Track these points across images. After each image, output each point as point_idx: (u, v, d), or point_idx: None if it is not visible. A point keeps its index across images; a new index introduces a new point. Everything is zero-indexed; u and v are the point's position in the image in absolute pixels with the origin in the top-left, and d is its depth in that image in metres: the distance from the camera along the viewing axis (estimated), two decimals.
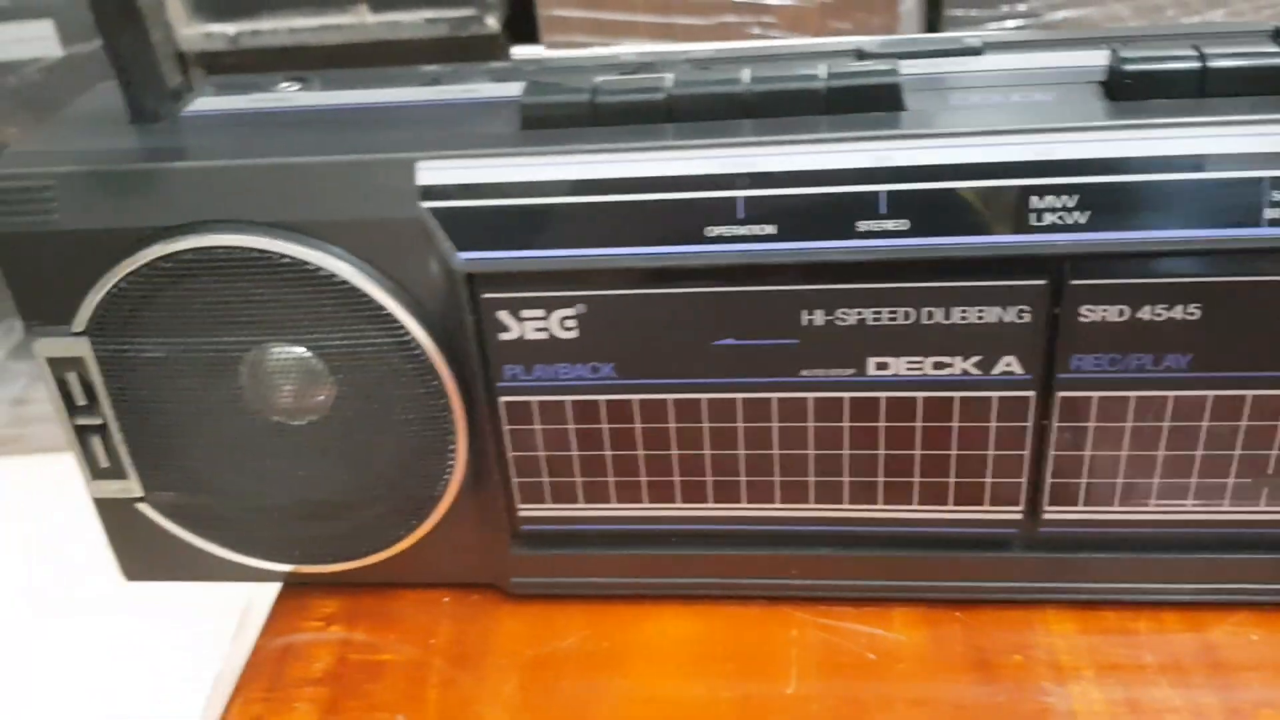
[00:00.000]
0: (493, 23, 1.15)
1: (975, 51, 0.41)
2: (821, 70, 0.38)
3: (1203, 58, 0.36)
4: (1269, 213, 0.35)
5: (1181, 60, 0.36)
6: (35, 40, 1.24)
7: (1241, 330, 0.37)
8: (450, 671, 0.43)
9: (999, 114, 0.37)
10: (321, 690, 0.43)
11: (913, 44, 0.42)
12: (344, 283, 0.39)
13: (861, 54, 0.42)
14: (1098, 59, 0.38)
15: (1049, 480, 0.41)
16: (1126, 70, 0.36)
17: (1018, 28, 1.07)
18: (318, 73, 0.46)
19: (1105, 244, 0.36)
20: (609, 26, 1.07)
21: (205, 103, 0.44)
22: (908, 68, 0.40)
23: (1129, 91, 0.37)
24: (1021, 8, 1.05)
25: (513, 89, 0.42)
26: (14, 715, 1.13)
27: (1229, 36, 0.39)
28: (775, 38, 1.08)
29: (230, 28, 1.22)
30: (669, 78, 0.39)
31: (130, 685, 1.15)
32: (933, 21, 1.11)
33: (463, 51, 1.11)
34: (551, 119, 0.39)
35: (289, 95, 0.44)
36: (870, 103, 0.37)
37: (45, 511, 1.40)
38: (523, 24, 1.14)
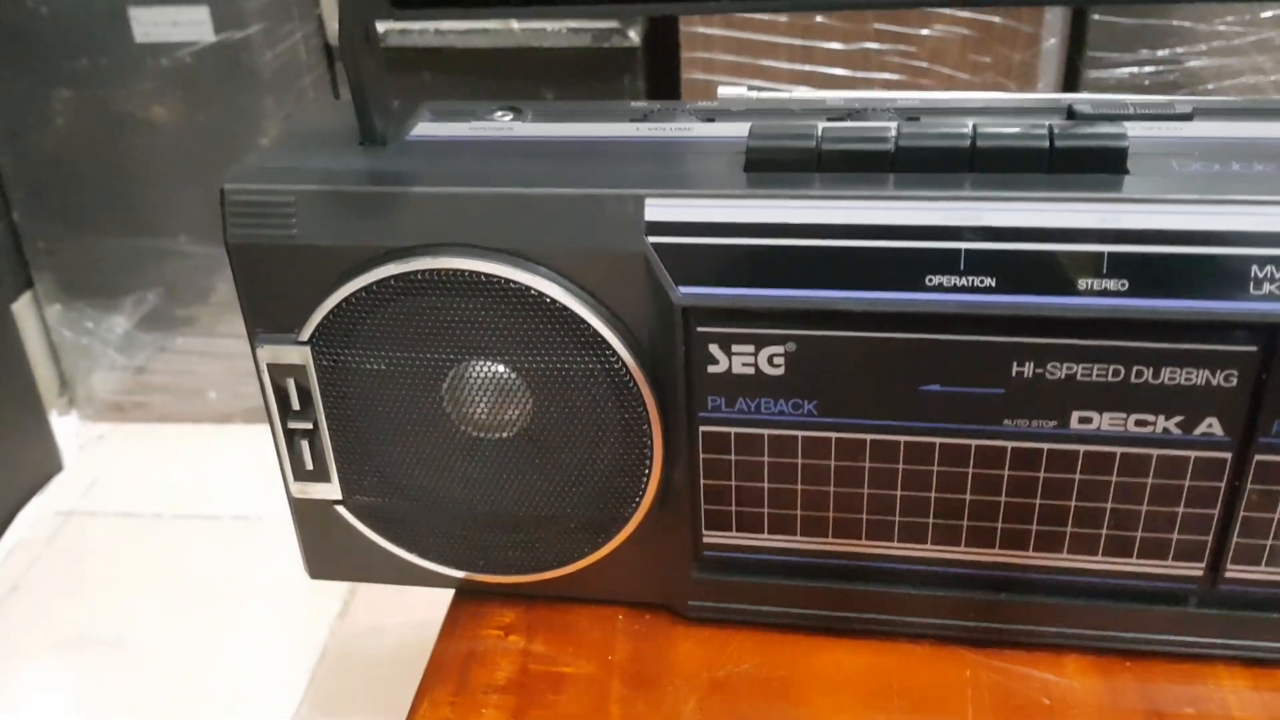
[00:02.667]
0: (634, 36, 1.17)
1: (1187, 117, 0.43)
2: (1046, 129, 0.39)
3: None
4: None
5: None
6: (190, 25, 1.29)
7: None
8: (629, 688, 0.45)
9: (1221, 183, 0.38)
10: (508, 698, 0.44)
11: (1123, 106, 0.43)
12: (564, 308, 0.41)
13: (1072, 113, 0.43)
14: None
15: (1235, 540, 0.41)
16: None
17: (1155, 72, 1.08)
18: (529, 103, 0.48)
19: None
20: (749, 47, 1.10)
21: (426, 128, 0.46)
22: (1128, 131, 0.41)
23: None
24: (1162, 53, 1.06)
25: (723, 129, 0.44)
26: (119, 691, 1.16)
27: None
28: (917, 65, 1.10)
29: (380, 26, 1.25)
30: (893, 127, 0.40)
31: (235, 658, 1.18)
32: (1072, 59, 1.12)
33: (602, 63, 1.14)
34: (776, 163, 0.40)
35: (506, 125, 0.46)
36: (1095, 164, 0.39)
37: (163, 479, 1.45)
38: (664, 38, 1.17)
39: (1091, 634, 0.44)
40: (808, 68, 1.14)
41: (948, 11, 1.09)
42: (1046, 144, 0.39)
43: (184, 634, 1.22)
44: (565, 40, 1.21)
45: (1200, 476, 0.40)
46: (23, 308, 1.49)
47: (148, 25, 1.31)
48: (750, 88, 0.48)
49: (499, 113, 0.47)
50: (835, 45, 1.09)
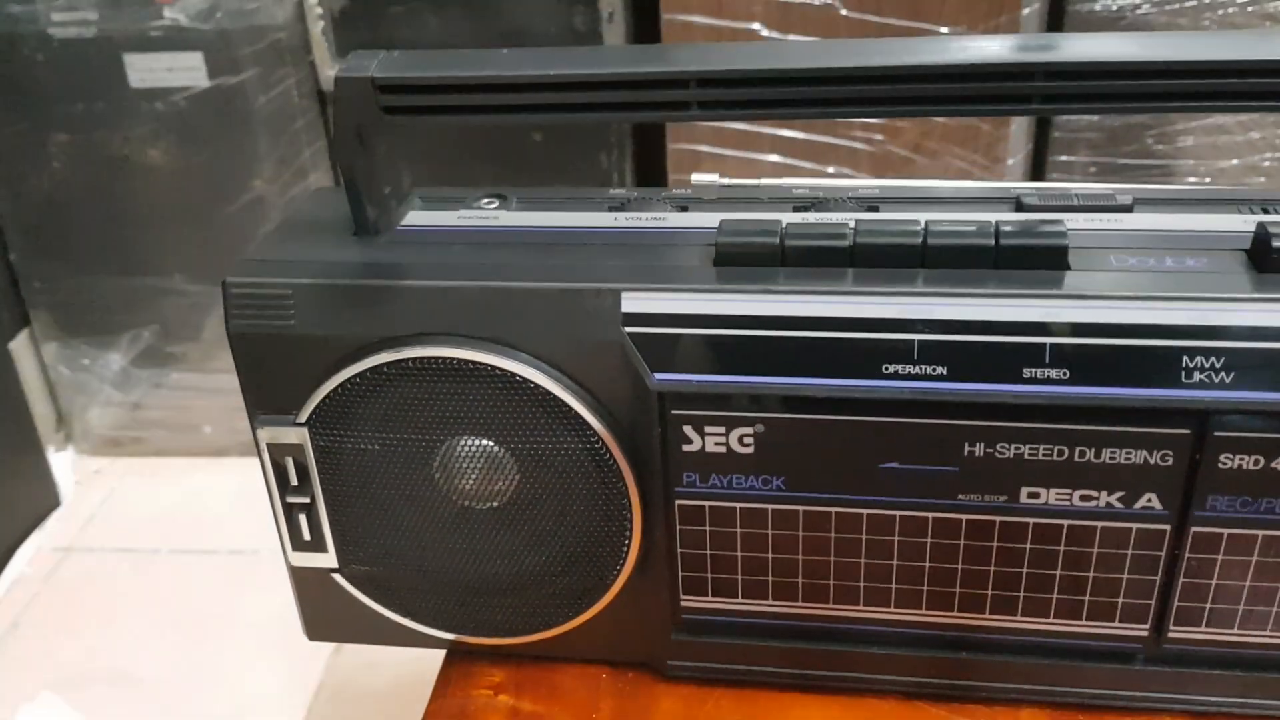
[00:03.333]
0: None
1: (1126, 209, 0.46)
2: (993, 227, 0.42)
3: None
4: None
5: None
6: (185, 70, 1.32)
7: None
8: None
9: (1155, 279, 0.41)
10: None
11: (1067, 197, 0.46)
12: (547, 394, 0.44)
13: (1020, 204, 0.46)
14: (1242, 225, 0.42)
15: (1176, 603, 0.44)
16: (1273, 246, 0.40)
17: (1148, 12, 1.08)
18: (513, 191, 0.51)
19: (1247, 402, 0.40)
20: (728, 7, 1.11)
21: (416, 217, 0.49)
22: (1068, 223, 0.44)
23: (1273, 264, 0.41)
24: None
25: (695, 219, 0.47)
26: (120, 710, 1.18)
27: None
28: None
29: None
30: (851, 223, 0.43)
31: (233, 692, 1.20)
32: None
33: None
34: (743, 258, 0.43)
35: (491, 214, 0.49)
36: (1038, 261, 0.42)
37: (160, 513, 1.47)
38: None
39: (1046, 689, 0.47)
40: (787, 133, 1.16)
41: None
42: (993, 242, 0.42)
43: (183, 668, 1.24)
44: None
45: (1141, 546, 0.43)
46: (20, 346, 1.51)
47: (143, 71, 1.34)
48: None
49: (485, 200, 0.50)
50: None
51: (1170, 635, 0.45)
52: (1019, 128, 1.15)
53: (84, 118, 1.36)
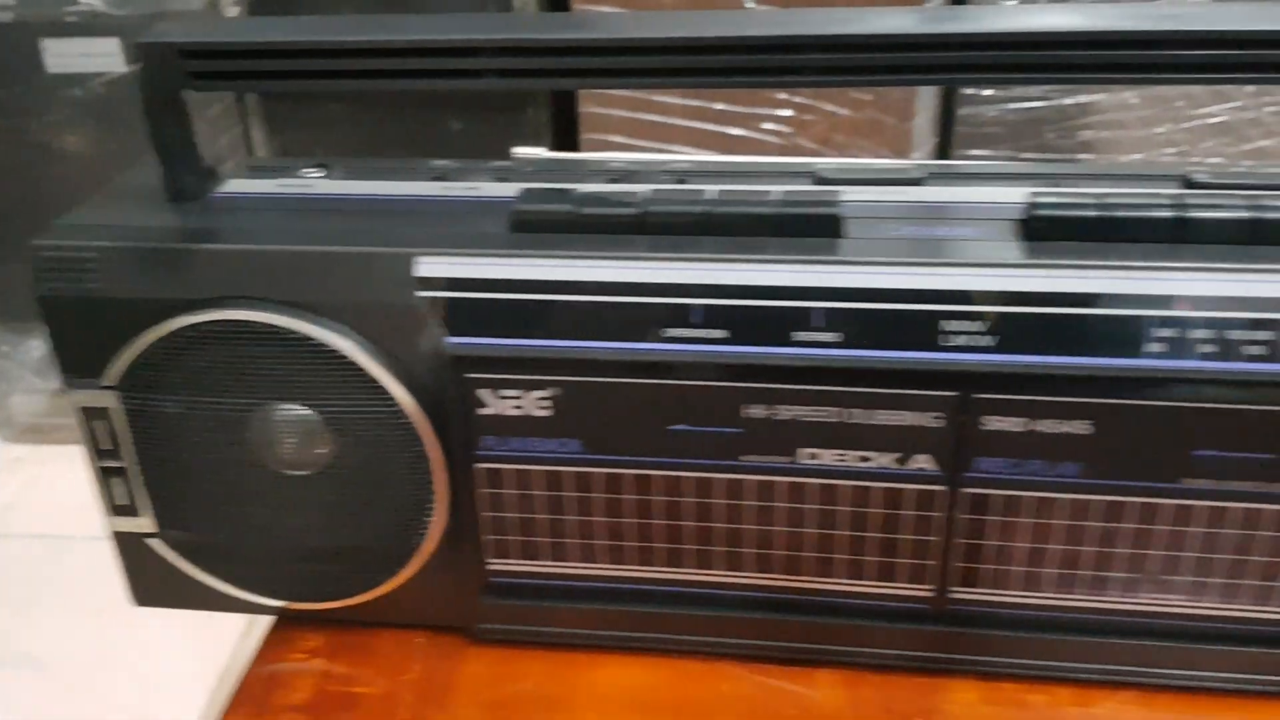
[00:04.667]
0: None
1: (917, 182, 0.47)
2: (774, 198, 0.43)
3: (1105, 206, 0.41)
4: (1149, 346, 0.40)
5: (1086, 209, 0.41)
6: (101, 56, 1.32)
7: (1126, 446, 0.42)
8: (417, 706, 0.48)
9: (923, 246, 0.42)
10: (299, 717, 0.48)
11: (864, 170, 0.48)
12: (343, 357, 0.45)
13: (818, 178, 0.47)
14: (1022, 197, 0.44)
15: (956, 564, 0.46)
16: (1039, 215, 0.42)
17: None
18: (341, 161, 0.51)
19: (1007, 365, 0.41)
20: None
21: (236, 185, 0.50)
22: (855, 195, 0.45)
23: (1041, 233, 0.42)
24: None
25: (509, 189, 0.48)
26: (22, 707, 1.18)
27: (1139, 179, 0.45)
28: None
29: None
30: (643, 192, 0.44)
31: (134, 679, 1.20)
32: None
33: (507, 96, 1.17)
34: (538, 224, 0.44)
35: (311, 182, 0.50)
36: (814, 229, 0.43)
37: (79, 500, 1.46)
38: None
39: (840, 650, 0.48)
40: (698, 103, 1.18)
41: None
42: (772, 211, 0.43)
43: (93, 653, 1.24)
44: None
45: (920, 507, 0.45)
46: None
47: (59, 56, 1.33)
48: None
49: (309, 170, 0.51)
50: None
51: (953, 596, 0.47)
52: (924, 122, 1.17)
53: (1, 103, 1.36)
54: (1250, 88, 1.10)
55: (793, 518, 0.46)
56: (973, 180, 0.47)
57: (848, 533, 0.46)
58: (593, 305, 0.43)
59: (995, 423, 0.43)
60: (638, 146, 1.18)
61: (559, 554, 0.48)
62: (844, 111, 1.15)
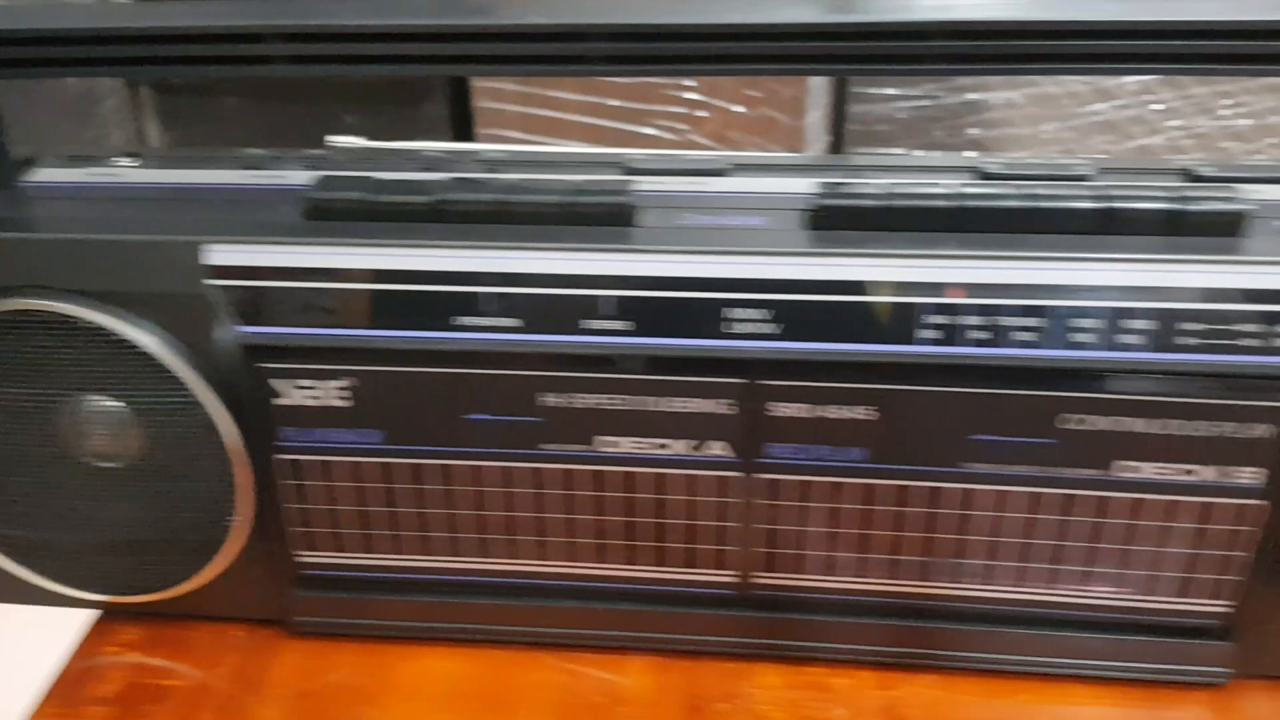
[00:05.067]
0: None
1: (721, 173, 0.47)
2: (569, 187, 0.43)
3: (887, 197, 0.42)
4: (923, 333, 0.41)
5: (869, 199, 0.42)
6: None
7: (908, 431, 0.43)
8: (226, 699, 0.48)
9: (712, 236, 0.43)
10: (106, 710, 0.47)
11: (671, 161, 0.48)
12: (136, 347, 0.44)
13: (626, 168, 0.48)
14: (815, 188, 0.44)
15: (757, 549, 0.46)
16: (824, 205, 0.42)
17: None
18: (155, 151, 0.51)
19: (791, 352, 0.42)
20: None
21: (47, 174, 0.49)
22: (655, 185, 0.46)
23: (826, 222, 0.43)
24: None
25: (316, 178, 0.48)
26: None
27: (937, 170, 0.46)
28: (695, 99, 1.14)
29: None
30: (439, 180, 0.44)
31: None
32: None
33: (403, 89, 1.16)
34: (331, 212, 0.44)
35: (121, 171, 0.49)
36: (605, 219, 0.43)
37: None
38: None
39: (650, 636, 0.49)
40: (593, 98, 1.18)
41: None
42: (562, 199, 0.43)
43: None
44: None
45: (716, 493, 0.45)
46: None
47: None
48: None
49: (120, 159, 0.50)
50: (618, 77, 1.13)
51: (756, 581, 0.47)
52: (816, 120, 1.18)
53: None
54: (1133, 86, 1.12)
55: (596, 506, 0.46)
56: (774, 172, 0.48)
57: (650, 520, 0.46)
58: (385, 294, 0.43)
59: (783, 409, 0.43)
60: (533, 141, 1.18)
61: (368, 546, 0.48)
62: (738, 108, 1.15)
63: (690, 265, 0.42)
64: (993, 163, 0.46)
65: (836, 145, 1.21)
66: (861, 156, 0.53)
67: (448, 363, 0.44)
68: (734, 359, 0.42)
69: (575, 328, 0.42)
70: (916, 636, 0.47)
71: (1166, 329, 0.40)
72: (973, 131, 1.18)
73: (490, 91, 1.21)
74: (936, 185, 0.43)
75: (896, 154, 1.17)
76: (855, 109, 1.19)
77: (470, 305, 0.43)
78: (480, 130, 1.20)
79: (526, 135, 1.18)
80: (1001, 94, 1.16)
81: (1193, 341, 0.40)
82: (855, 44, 0.42)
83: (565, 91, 1.19)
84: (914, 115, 1.19)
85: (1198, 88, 1.09)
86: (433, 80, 1.22)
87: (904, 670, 0.48)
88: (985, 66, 0.43)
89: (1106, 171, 0.45)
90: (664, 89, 1.15)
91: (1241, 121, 1.10)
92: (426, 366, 0.44)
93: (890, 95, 1.18)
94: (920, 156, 0.49)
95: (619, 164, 0.48)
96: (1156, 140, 1.13)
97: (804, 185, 0.46)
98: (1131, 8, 0.40)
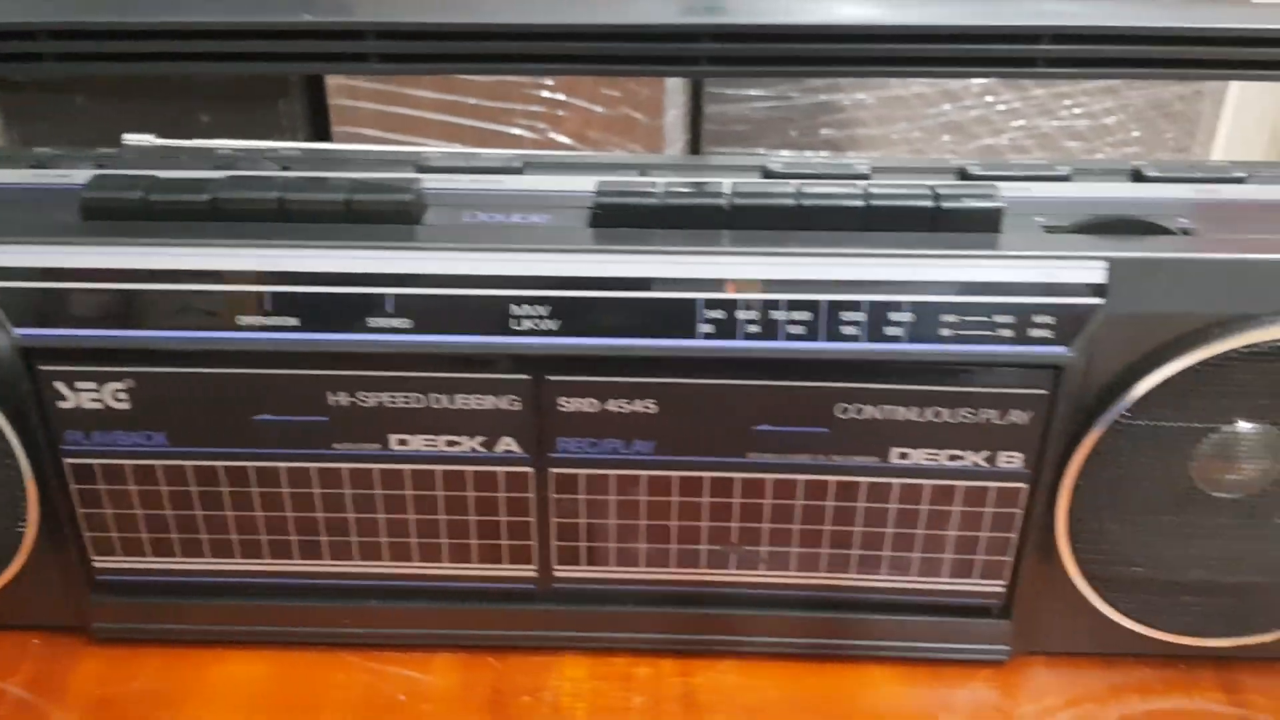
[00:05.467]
0: None
1: (517, 171, 0.48)
2: (347, 186, 0.43)
3: (665, 195, 0.43)
4: (702, 327, 0.42)
5: (647, 197, 0.43)
6: None
7: (693, 423, 0.44)
8: (22, 706, 0.47)
9: (496, 233, 0.43)
10: None
11: (465, 160, 0.48)
12: None
13: (420, 166, 0.48)
14: (593, 187, 0.45)
15: (556, 543, 0.47)
16: (603, 203, 0.43)
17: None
18: None
19: (574, 348, 0.42)
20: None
21: None
22: (445, 183, 0.46)
23: (607, 220, 0.43)
24: None
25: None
26: None
27: (723, 170, 0.47)
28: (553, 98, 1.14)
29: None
30: (219, 179, 0.44)
31: None
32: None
33: (257, 87, 1.15)
34: (107, 212, 0.43)
35: None
36: (387, 216, 0.43)
37: None
38: None
39: (456, 633, 0.49)
40: (451, 97, 1.17)
41: None
42: (344, 197, 0.43)
43: None
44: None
45: (510, 489, 0.46)
46: None
47: None
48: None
49: None
50: (476, 75, 1.13)
51: (557, 575, 0.48)
52: (674, 120, 1.19)
53: None
54: (977, 88, 1.16)
55: (393, 504, 0.46)
56: (567, 170, 0.48)
57: (448, 517, 0.46)
58: (162, 294, 0.42)
59: (570, 404, 0.44)
60: (390, 140, 1.17)
61: (163, 550, 0.47)
62: (597, 108, 1.16)
63: (471, 263, 0.42)
64: (778, 161, 0.47)
65: (695, 145, 1.22)
66: (657, 156, 0.54)
67: (230, 363, 0.43)
68: (519, 356, 0.43)
69: (359, 326, 0.42)
70: (714, 623, 0.49)
71: (927, 321, 0.41)
72: (826, 131, 1.21)
73: (346, 89, 1.19)
74: (713, 184, 0.44)
75: (735, 153, 1.19)
76: (712, 109, 1.20)
77: (249, 305, 0.42)
78: (337, 128, 1.19)
79: (384, 134, 1.17)
80: (853, 95, 1.18)
81: (952, 333, 0.42)
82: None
83: (423, 90, 1.18)
84: (769, 115, 1.21)
85: (1038, 89, 1.13)
86: (289, 78, 1.20)
87: (704, 657, 0.49)
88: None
89: (883, 170, 0.47)
90: (523, 87, 1.15)
91: (1080, 122, 1.15)
92: (209, 367, 0.43)
93: (746, 96, 1.20)
94: (712, 157, 0.50)
95: (413, 162, 0.48)
96: (1001, 140, 1.16)
97: (592, 184, 0.46)
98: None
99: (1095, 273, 0.41)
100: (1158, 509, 0.45)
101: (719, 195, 0.43)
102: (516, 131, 1.18)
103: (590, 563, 0.47)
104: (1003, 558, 0.46)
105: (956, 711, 0.47)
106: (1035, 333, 0.41)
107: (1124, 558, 0.46)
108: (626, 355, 0.43)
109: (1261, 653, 0.48)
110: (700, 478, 0.45)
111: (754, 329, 0.42)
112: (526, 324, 0.42)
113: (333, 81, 1.19)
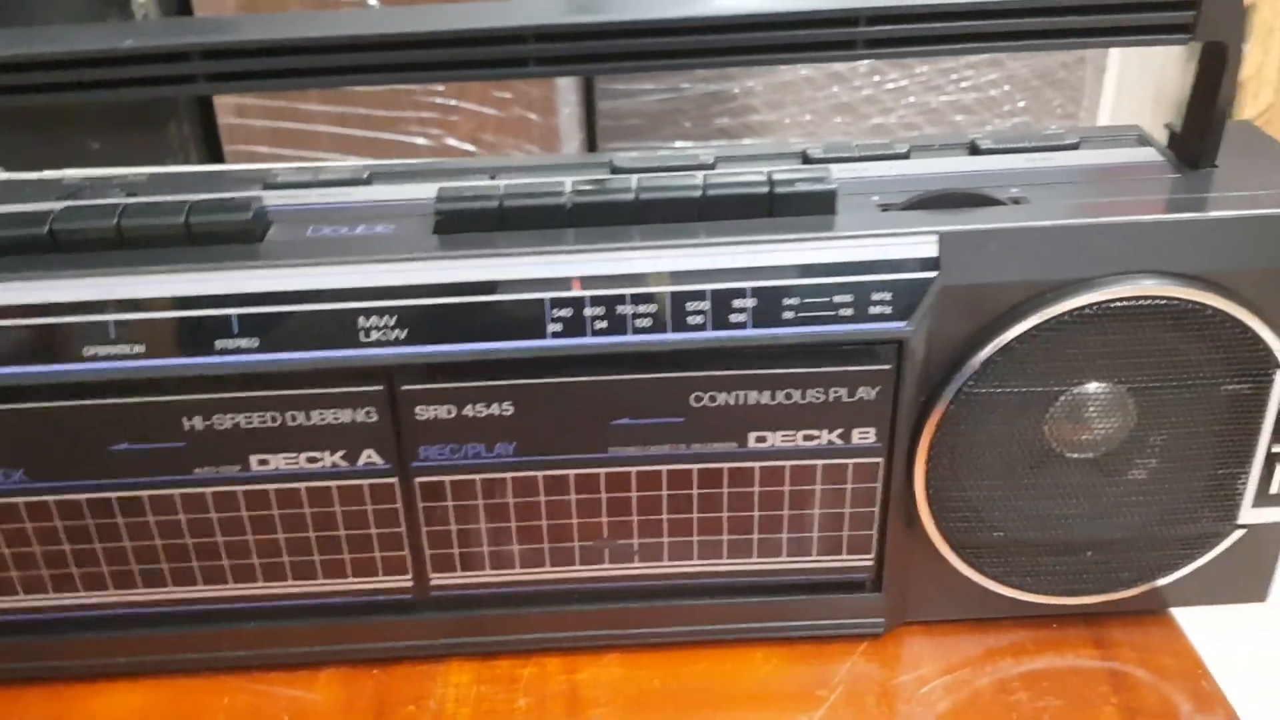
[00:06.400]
0: None
1: (364, 182, 0.48)
2: (186, 209, 0.43)
3: (504, 197, 0.43)
4: (551, 327, 0.42)
5: (487, 201, 0.43)
6: None
7: (552, 422, 0.44)
8: None
9: (339, 246, 0.43)
10: None
11: (313, 174, 0.48)
12: None
13: (268, 184, 0.48)
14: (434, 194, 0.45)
15: (429, 551, 0.47)
16: (443, 209, 0.43)
17: None
18: None
19: (425, 356, 0.42)
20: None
21: None
22: (289, 198, 0.46)
23: (449, 226, 0.43)
24: None
25: None
26: None
27: (570, 169, 0.47)
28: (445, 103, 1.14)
29: None
30: (58, 209, 0.43)
31: None
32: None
33: (148, 111, 1.13)
34: None
35: None
36: (229, 237, 0.43)
37: None
38: None
39: (337, 649, 0.49)
40: (341, 108, 1.17)
41: None
42: (186, 221, 0.43)
43: None
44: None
45: (376, 500, 0.46)
46: None
47: None
48: None
49: None
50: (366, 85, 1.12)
51: (433, 583, 0.48)
52: (569, 118, 1.19)
53: None
54: (864, 69, 1.17)
55: (261, 525, 0.46)
56: (418, 178, 0.48)
57: (317, 534, 0.46)
58: (4, 330, 0.42)
59: (427, 412, 0.44)
60: (284, 156, 1.16)
61: (35, 587, 0.47)
62: (490, 110, 1.16)
63: (313, 277, 0.42)
64: (625, 157, 0.48)
65: (590, 142, 1.22)
66: (510, 158, 0.55)
67: (81, 394, 0.43)
68: (370, 367, 0.43)
69: (206, 349, 0.42)
70: (596, 619, 0.49)
71: (770, 306, 0.42)
72: (721, 120, 1.21)
73: (235, 108, 1.18)
74: (560, 184, 0.44)
75: (631, 148, 1.19)
76: (605, 104, 1.21)
77: (94, 335, 0.42)
78: (230, 148, 1.17)
79: (277, 150, 1.16)
80: (743, 84, 1.19)
81: (794, 315, 0.42)
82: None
83: (313, 103, 1.17)
84: (662, 108, 1.21)
85: (922, 66, 1.15)
86: (178, 100, 1.18)
87: (589, 652, 0.49)
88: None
89: (728, 160, 0.47)
90: (414, 95, 1.15)
91: (968, 96, 1.17)
92: (59, 400, 0.43)
93: (637, 90, 1.20)
94: (560, 155, 0.50)
95: (261, 179, 0.48)
96: (890, 119, 1.18)
97: (426, 192, 0.46)
98: None
99: (927, 247, 0.42)
100: (1015, 473, 0.46)
101: (559, 195, 0.43)
102: (411, 139, 1.18)
103: (465, 568, 0.48)
104: (868, 532, 0.47)
105: (834, 686, 0.47)
106: (874, 310, 0.42)
107: (985, 523, 0.47)
108: (478, 359, 0.43)
109: (1131, 605, 0.50)
110: (565, 476, 0.45)
111: (602, 325, 0.42)
112: (375, 335, 0.42)
113: (221, 101, 1.18)
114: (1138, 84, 1.28)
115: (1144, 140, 0.48)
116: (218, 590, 0.47)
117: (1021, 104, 1.18)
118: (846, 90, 1.17)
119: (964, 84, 1.15)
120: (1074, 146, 0.47)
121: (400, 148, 1.16)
